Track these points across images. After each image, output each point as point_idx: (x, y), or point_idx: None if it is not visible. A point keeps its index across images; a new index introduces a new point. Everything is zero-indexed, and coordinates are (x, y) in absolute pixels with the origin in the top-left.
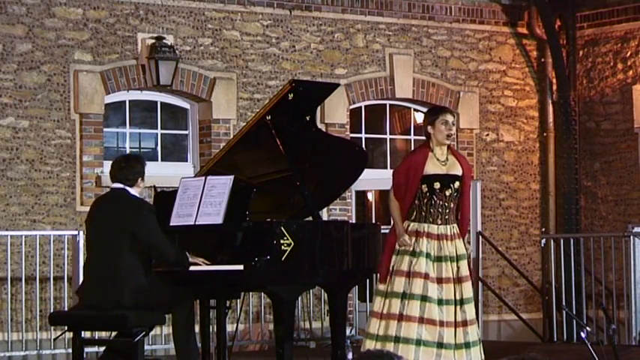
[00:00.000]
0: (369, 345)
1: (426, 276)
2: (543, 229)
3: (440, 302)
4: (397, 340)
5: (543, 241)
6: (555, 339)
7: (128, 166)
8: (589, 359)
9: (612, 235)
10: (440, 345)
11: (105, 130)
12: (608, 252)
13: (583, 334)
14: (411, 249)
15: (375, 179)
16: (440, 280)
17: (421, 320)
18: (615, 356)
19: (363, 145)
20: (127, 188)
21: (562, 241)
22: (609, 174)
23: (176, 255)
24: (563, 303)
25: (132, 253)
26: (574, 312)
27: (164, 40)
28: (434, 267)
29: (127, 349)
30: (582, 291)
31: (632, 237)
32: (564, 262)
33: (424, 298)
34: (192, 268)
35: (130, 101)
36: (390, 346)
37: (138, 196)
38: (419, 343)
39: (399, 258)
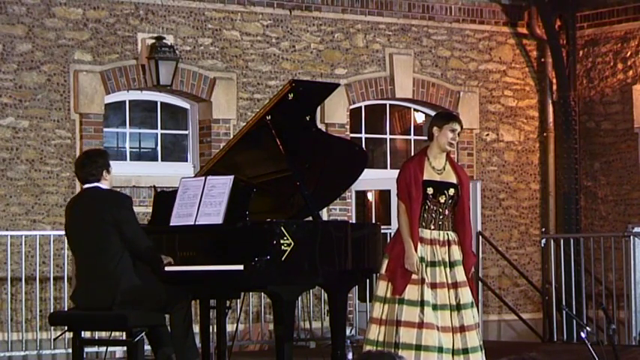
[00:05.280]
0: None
1: (422, 281)
2: (543, 229)
3: (434, 307)
4: (397, 346)
5: (543, 241)
6: (555, 339)
7: (90, 162)
8: (589, 359)
9: (612, 235)
10: (440, 349)
11: (105, 130)
12: (608, 252)
13: (583, 334)
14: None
15: (375, 179)
16: (434, 285)
17: (420, 325)
18: (615, 356)
19: (363, 145)
20: (98, 185)
21: (562, 241)
22: (609, 174)
23: (153, 256)
24: (563, 303)
25: (121, 250)
26: (574, 312)
27: (164, 40)
28: (428, 272)
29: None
30: (582, 291)
31: (632, 237)
32: (564, 262)
33: (422, 303)
34: (192, 268)
35: (130, 101)
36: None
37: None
38: (419, 348)
39: None
